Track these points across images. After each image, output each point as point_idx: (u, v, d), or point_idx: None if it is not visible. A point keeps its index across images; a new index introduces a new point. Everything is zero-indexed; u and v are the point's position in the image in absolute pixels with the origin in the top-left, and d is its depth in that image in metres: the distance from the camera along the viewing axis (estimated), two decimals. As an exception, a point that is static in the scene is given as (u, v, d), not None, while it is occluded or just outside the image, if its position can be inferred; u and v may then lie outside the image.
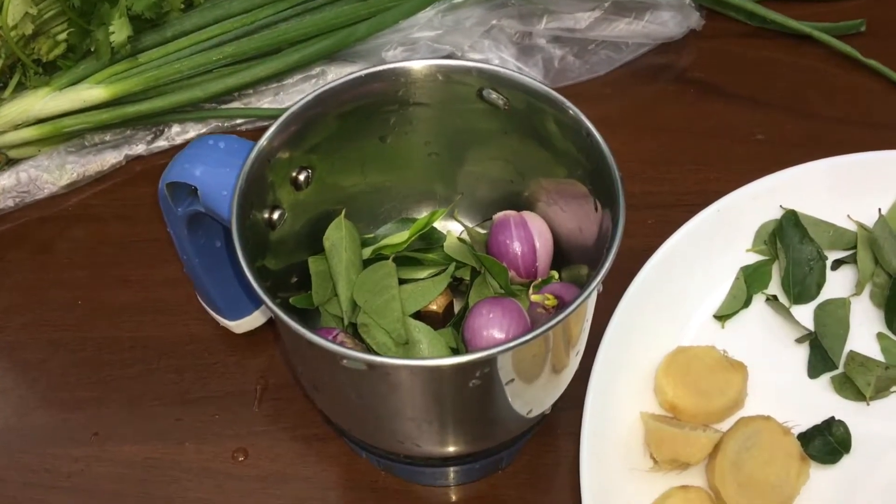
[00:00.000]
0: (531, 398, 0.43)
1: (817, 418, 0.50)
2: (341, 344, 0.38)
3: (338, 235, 0.46)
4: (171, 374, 0.54)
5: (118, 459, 0.51)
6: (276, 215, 0.44)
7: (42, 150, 0.62)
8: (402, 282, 0.48)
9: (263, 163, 0.42)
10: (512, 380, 0.40)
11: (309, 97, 0.43)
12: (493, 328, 0.43)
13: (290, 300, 0.46)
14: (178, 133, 0.63)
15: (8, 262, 0.60)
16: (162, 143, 0.63)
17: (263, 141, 0.42)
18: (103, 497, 0.50)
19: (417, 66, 0.44)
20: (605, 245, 0.41)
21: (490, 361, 0.38)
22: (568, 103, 0.43)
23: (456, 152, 0.48)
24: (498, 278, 0.46)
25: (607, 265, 0.39)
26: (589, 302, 0.40)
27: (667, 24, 0.67)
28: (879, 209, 0.56)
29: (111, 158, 0.63)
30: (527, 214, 0.48)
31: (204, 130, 0.64)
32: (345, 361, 0.37)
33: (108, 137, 0.63)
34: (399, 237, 0.47)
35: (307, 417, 0.52)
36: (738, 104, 0.66)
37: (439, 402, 0.40)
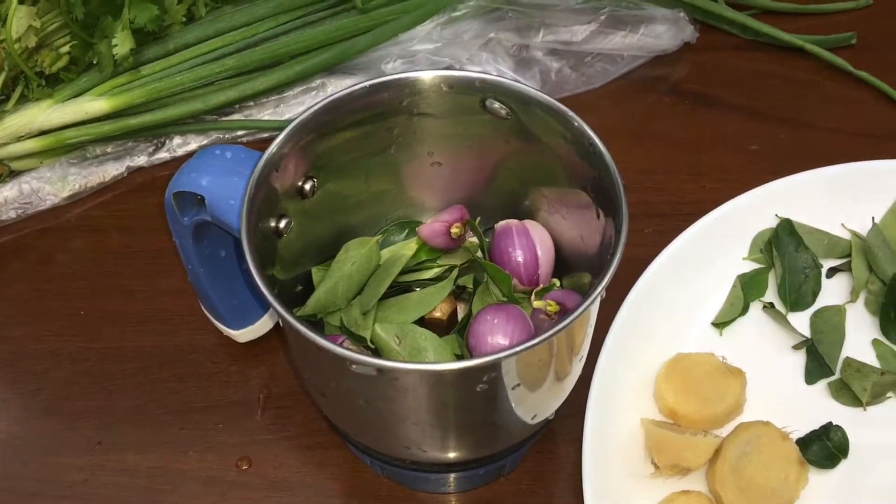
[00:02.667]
0: (536, 403, 0.44)
1: (815, 424, 0.50)
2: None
3: (358, 252, 0.46)
4: (174, 384, 0.55)
5: (122, 468, 0.52)
6: (282, 224, 0.44)
7: (44, 161, 0.62)
8: (405, 285, 0.48)
9: (271, 170, 0.43)
10: (517, 385, 0.40)
11: (316, 107, 0.43)
12: (497, 334, 0.44)
13: (294, 311, 0.46)
14: (179, 145, 0.64)
15: (10, 272, 0.60)
16: (163, 155, 0.64)
17: (273, 148, 0.42)
18: (107, 506, 0.51)
19: (422, 76, 0.45)
20: (607, 253, 0.42)
21: (497, 366, 0.38)
22: (571, 113, 0.43)
23: (458, 161, 0.49)
24: (501, 286, 0.47)
25: (611, 272, 0.39)
26: (592, 308, 0.41)
27: (661, 37, 0.68)
28: (873, 218, 0.57)
29: (113, 170, 0.63)
30: (528, 223, 0.49)
31: (205, 142, 0.64)
32: (354, 367, 0.37)
33: (109, 149, 0.63)
34: (407, 248, 0.48)
35: (310, 426, 0.52)
36: (732, 115, 0.67)
37: (446, 406, 0.41)
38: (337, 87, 0.65)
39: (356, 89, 0.44)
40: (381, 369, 0.37)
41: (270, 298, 0.38)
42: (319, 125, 0.44)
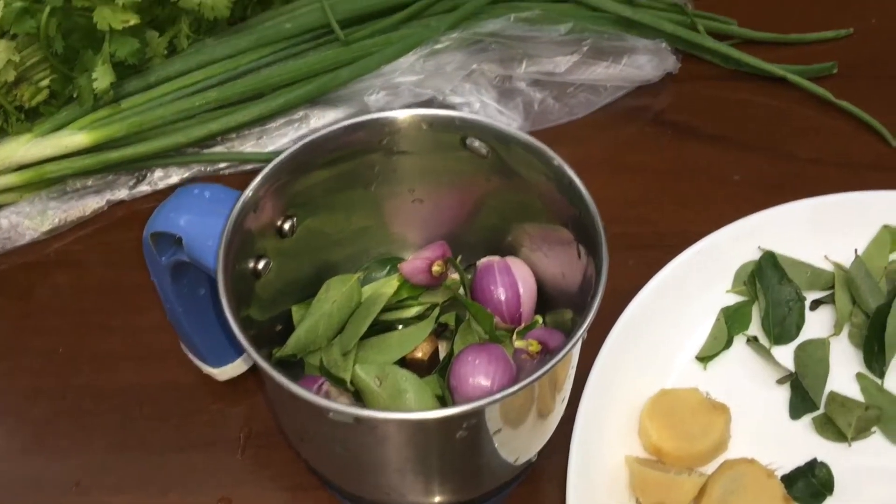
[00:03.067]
0: (518, 446, 0.43)
1: (800, 459, 0.50)
2: (326, 393, 0.39)
3: (339, 291, 0.46)
4: (154, 422, 0.54)
5: (100, 510, 0.51)
6: (261, 264, 0.44)
7: (24, 196, 0.62)
8: (386, 324, 0.48)
9: (249, 212, 0.42)
10: (499, 430, 0.40)
11: (293, 149, 0.43)
12: (479, 375, 0.44)
13: (273, 352, 0.46)
14: (160, 178, 0.63)
15: (-12, 309, 0.59)
16: (144, 188, 0.63)
17: (249, 192, 0.42)
18: (85, 549, 0.50)
19: (401, 115, 0.44)
20: (588, 290, 0.42)
21: (478, 413, 0.38)
22: (550, 152, 0.43)
23: (440, 199, 0.49)
24: (483, 324, 0.47)
25: (591, 314, 0.39)
26: (574, 350, 0.40)
27: (644, 67, 0.68)
28: (856, 250, 0.57)
29: (93, 203, 0.62)
30: (510, 260, 0.49)
31: (187, 175, 0.64)
32: (331, 414, 0.37)
33: (90, 183, 0.63)
34: (388, 286, 0.47)
35: (292, 466, 0.52)
36: (715, 146, 0.67)
37: (426, 453, 0.40)
38: (319, 118, 0.65)
39: (334, 130, 0.44)
40: (358, 418, 0.37)
41: (246, 344, 0.38)
42: (297, 166, 0.44)
